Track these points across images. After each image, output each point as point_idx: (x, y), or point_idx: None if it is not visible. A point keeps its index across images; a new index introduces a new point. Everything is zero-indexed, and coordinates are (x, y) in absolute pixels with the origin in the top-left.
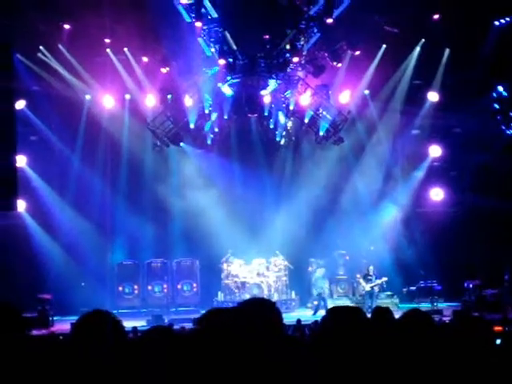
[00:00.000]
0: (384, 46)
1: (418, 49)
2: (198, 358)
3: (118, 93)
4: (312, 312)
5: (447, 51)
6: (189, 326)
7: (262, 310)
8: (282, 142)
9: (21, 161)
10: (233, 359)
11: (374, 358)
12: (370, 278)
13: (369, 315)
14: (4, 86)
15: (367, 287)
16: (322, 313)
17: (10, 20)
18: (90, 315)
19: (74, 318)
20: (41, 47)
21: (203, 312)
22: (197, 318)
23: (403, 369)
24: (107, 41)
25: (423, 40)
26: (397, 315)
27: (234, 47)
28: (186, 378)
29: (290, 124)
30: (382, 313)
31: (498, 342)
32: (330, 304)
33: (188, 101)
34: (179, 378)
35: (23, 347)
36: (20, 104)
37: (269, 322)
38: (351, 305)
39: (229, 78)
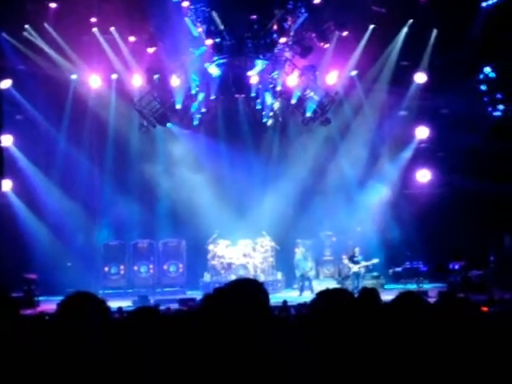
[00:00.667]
0: (371, 26)
1: (405, 29)
2: (183, 339)
3: (104, 72)
4: (298, 293)
5: (435, 32)
6: (174, 306)
7: (248, 291)
8: (269, 122)
9: (7, 140)
10: (219, 340)
11: (362, 340)
12: (356, 259)
13: (355, 296)
14: None
15: (354, 268)
16: (307, 293)
17: None
18: (73, 296)
19: (59, 299)
20: (27, 26)
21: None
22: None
23: (390, 351)
24: (94, 20)
25: (411, 20)
26: (383, 296)
27: (221, 27)
28: (172, 358)
29: (277, 105)
30: (369, 293)
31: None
32: (316, 285)
33: (175, 81)
34: (164, 359)
35: (16, 326)
36: (6, 83)
37: (256, 303)
38: (337, 286)
39: (216, 58)
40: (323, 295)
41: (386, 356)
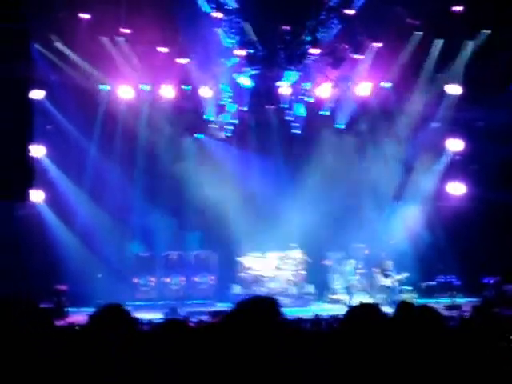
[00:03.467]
0: (409, 39)
1: (440, 41)
2: (205, 352)
3: (135, 84)
4: (333, 306)
5: (470, 43)
6: (205, 318)
7: (258, 309)
8: (301, 134)
9: (39, 151)
10: (231, 356)
11: (393, 355)
12: (388, 272)
13: (390, 309)
14: (22, 75)
15: (387, 282)
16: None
17: (28, 9)
18: (104, 309)
19: (89, 310)
20: (59, 37)
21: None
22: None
23: (418, 365)
24: (126, 31)
25: (445, 32)
26: None
27: (254, 38)
28: (193, 372)
29: (308, 116)
30: (406, 307)
31: None
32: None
33: (206, 92)
34: (188, 372)
35: (49, 337)
36: (38, 94)
37: (266, 320)
38: (369, 299)
39: (248, 69)
40: (356, 310)
41: (417, 374)
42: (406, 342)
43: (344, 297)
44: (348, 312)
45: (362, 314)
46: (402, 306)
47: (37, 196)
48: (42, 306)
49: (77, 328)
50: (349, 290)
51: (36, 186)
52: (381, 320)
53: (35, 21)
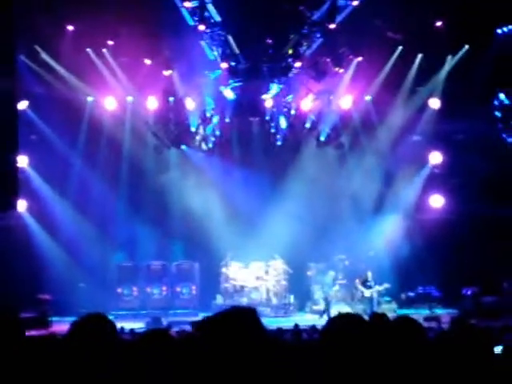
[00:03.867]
0: (390, 54)
1: (420, 55)
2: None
3: (120, 95)
4: (314, 316)
5: (449, 58)
6: (188, 328)
7: (237, 320)
8: (283, 146)
9: (22, 161)
10: (209, 368)
11: (373, 366)
12: (368, 283)
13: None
14: (7, 86)
15: (367, 293)
16: (325, 317)
17: (12, 21)
18: (84, 318)
19: (72, 319)
20: (44, 48)
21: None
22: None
23: (400, 378)
24: (110, 43)
25: (426, 46)
26: None
27: (237, 51)
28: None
29: (290, 128)
30: (379, 318)
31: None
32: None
33: (190, 104)
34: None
35: (22, 347)
36: (22, 104)
37: (244, 331)
38: (349, 310)
39: (231, 81)
40: (336, 320)
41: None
42: (381, 354)
43: (323, 307)
44: (329, 322)
45: (344, 324)
46: (375, 318)
47: (20, 205)
48: (25, 315)
49: (57, 337)
50: (327, 301)
51: (19, 195)
52: (362, 330)
53: (20, 32)
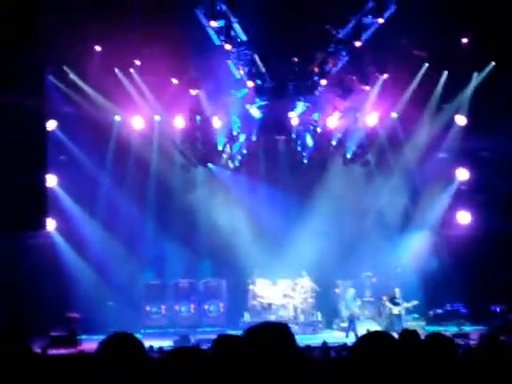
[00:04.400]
0: (416, 71)
1: (445, 72)
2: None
3: (147, 114)
4: (342, 333)
5: (475, 75)
6: None
7: (270, 335)
8: (309, 163)
9: (52, 181)
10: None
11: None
12: (396, 300)
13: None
14: (36, 106)
15: (395, 310)
16: (351, 335)
17: (41, 42)
18: (112, 337)
19: (101, 337)
20: (72, 69)
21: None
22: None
23: None
24: (137, 62)
25: (451, 63)
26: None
27: (263, 70)
28: None
29: (316, 146)
30: (410, 335)
31: None
32: (358, 327)
33: (217, 122)
34: None
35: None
36: (51, 124)
37: (277, 346)
38: (378, 328)
39: (257, 100)
40: (366, 338)
41: None
42: (414, 370)
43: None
44: (359, 339)
45: (373, 341)
46: (405, 334)
47: (49, 224)
48: (53, 333)
49: (86, 355)
50: (351, 318)
51: (48, 214)
52: (392, 348)
53: (49, 53)
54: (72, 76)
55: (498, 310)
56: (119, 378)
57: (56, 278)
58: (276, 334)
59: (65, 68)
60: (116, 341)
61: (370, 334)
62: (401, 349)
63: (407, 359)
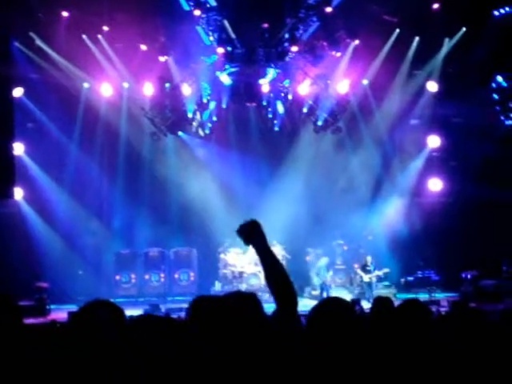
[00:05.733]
0: (387, 37)
1: (417, 38)
2: (184, 348)
3: (115, 81)
4: (313, 302)
5: (446, 41)
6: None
7: (241, 302)
8: (280, 131)
9: (18, 149)
10: (216, 348)
11: (365, 351)
12: (368, 268)
13: (369, 305)
14: (2, 73)
15: (366, 278)
16: None
17: (7, 7)
18: (91, 304)
19: (70, 307)
20: (39, 35)
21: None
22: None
23: (398, 362)
24: (105, 29)
25: (423, 29)
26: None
27: (233, 36)
28: (176, 367)
29: (288, 113)
30: (383, 302)
31: None
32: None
33: (186, 89)
34: (170, 368)
35: (20, 335)
36: (18, 91)
37: (248, 313)
38: (349, 295)
39: (227, 66)
40: (320, 305)
41: (389, 369)
42: (381, 338)
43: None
44: (315, 306)
45: (330, 308)
46: (378, 301)
47: (16, 193)
48: (22, 303)
49: (58, 325)
50: (323, 286)
51: (16, 183)
52: (349, 314)
53: (15, 19)
54: (39, 42)
55: (469, 276)
56: (100, 346)
57: (24, 247)
58: (244, 303)
59: (31, 34)
60: (96, 307)
61: (323, 301)
62: (354, 315)
63: (377, 324)
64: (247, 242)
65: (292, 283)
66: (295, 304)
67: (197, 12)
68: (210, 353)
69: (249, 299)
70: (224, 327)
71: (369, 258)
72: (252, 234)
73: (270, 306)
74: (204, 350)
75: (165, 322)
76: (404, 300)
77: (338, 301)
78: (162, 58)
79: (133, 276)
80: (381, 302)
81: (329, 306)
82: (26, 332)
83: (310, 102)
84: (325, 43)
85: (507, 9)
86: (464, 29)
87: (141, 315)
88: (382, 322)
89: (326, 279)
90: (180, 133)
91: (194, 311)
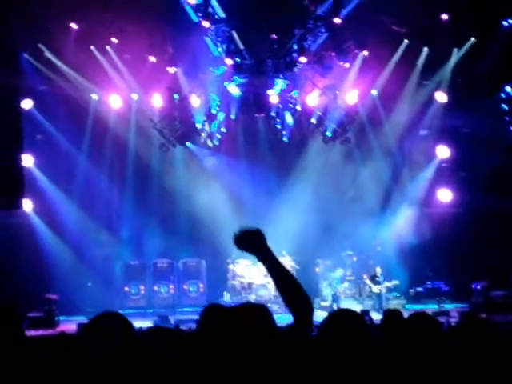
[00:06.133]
0: (396, 48)
1: (425, 49)
2: (193, 359)
3: (124, 92)
4: (323, 313)
5: (455, 51)
6: (195, 326)
7: (252, 314)
8: (289, 141)
9: (28, 160)
10: (221, 364)
11: (375, 363)
12: (377, 279)
13: (379, 316)
14: (11, 85)
15: (375, 288)
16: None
17: (17, 19)
18: (100, 316)
19: (79, 319)
20: (48, 47)
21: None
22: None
23: (409, 374)
24: (114, 40)
25: (431, 40)
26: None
27: (241, 47)
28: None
29: (296, 124)
30: (392, 315)
31: None
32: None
33: (195, 101)
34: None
35: (21, 345)
36: (27, 103)
37: (259, 324)
38: (358, 306)
39: (236, 77)
40: (332, 317)
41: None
42: (391, 351)
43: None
44: (326, 318)
45: (341, 320)
46: (389, 314)
47: (26, 205)
48: (31, 314)
49: (68, 336)
50: (335, 297)
51: (25, 194)
52: (361, 326)
53: (24, 31)
54: (48, 54)
55: (478, 287)
56: (108, 358)
57: (33, 258)
58: (256, 314)
59: (40, 46)
60: (106, 319)
61: (335, 313)
62: (365, 328)
63: (384, 338)
64: (244, 249)
65: (305, 292)
66: (311, 314)
67: (205, 23)
68: (220, 365)
69: (260, 310)
70: (236, 338)
71: (378, 269)
72: (252, 243)
73: (279, 317)
74: (214, 362)
75: (174, 334)
76: (412, 313)
77: (350, 313)
78: (170, 69)
79: (142, 287)
80: (390, 315)
81: (340, 318)
82: (27, 342)
83: (319, 113)
84: (333, 54)
85: None
86: (473, 39)
87: (150, 327)
88: (392, 335)
89: (338, 290)
90: (189, 144)
91: (206, 320)
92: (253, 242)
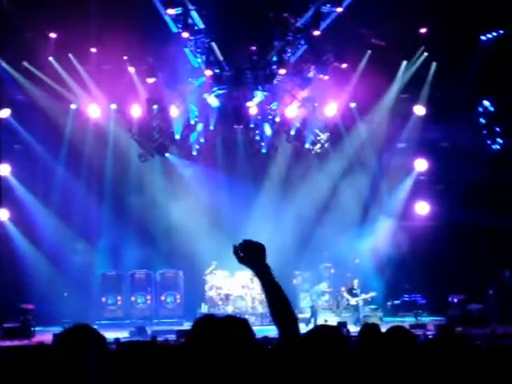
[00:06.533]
0: (367, 55)
1: (404, 62)
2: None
3: (103, 103)
4: (302, 324)
5: (434, 65)
6: (172, 337)
7: (236, 327)
8: (268, 153)
9: (5, 169)
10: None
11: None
12: (355, 291)
13: (356, 328)
14: None
15: (353, 301)
16: (311, 326)
17: None
18: (72, 328)
19: (56, 329)
20: (26, 56)
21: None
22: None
23: None
24: (93, 50)
25: (410, 53)
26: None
27: (221, 58)
28: None
29: (275, 136)
30: (371, 329)
31: None
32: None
33: (174, 111)
34: None
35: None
36: (4, 112)
37: (239, 339)
38: (335, 318)
39: (215, 88)
40: (312, 334)
41: None
42: (369, 363)
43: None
44: (307, 333)
45: (322, 335)
46: (366, 328)
47: (2, 214)
48: (7, 325)
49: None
50: (313, 309)
51: (1, 204)
52: (341, 341)
53: (2, 40)
54: (26, 63)
55: (455, 300)
56: (79, 370)
57: (9, 268)
58: (239, 328)
59: (18, 55)
60: (75, 332)
61: (316, 328)
62: (345, 343)
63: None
64: (243, 262)
65: (293, 310)
66: (297, 331)
67: (185, 34)
68: (201, 378)
69: (241, 324)
70: (218, 352)
71: (356, 282)
72: (254, 257)
73: (256, 330)
74: (195, 374)
75: (150, 347)
76: (389, 328)
77: (329, 329)
78: (149, 80)
79: (119, 298)
80: (368, 329)
81: (319, 336)
82: (2, 352)
83: (298, 125)
84: (312, 66)
85: (494, 34)
86: (451, 53)
87: (127, 341)
88: (369, 347)
89: (317, 303)
90: (167, 154)
91: (197, 331)
92: (254, 256)
